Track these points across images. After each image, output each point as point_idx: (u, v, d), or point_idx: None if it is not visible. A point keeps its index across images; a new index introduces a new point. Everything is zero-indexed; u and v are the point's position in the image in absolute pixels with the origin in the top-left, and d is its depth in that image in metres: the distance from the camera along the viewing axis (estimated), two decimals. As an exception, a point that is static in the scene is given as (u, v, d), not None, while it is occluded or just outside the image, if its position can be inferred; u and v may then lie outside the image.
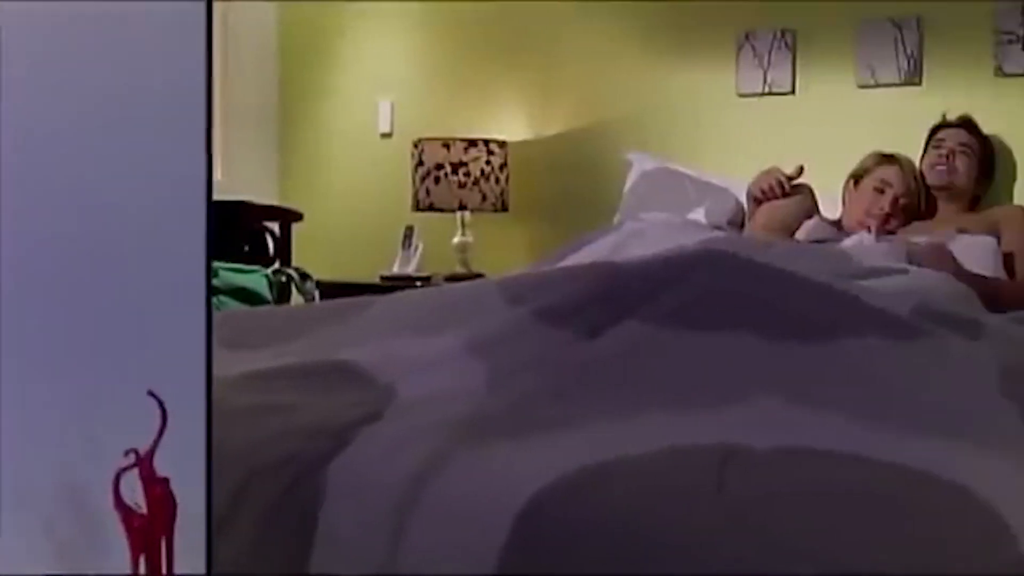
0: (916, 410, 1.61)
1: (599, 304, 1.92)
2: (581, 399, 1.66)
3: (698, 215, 4.08)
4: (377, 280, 5.00)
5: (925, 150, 4.02)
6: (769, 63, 4.58)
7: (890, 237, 3.68)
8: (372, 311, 2.21)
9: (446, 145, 4.98)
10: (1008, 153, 4.08)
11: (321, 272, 4.64)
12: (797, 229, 3.83)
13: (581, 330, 1.85)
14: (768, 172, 3.97)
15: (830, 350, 1.79)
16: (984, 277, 3.35)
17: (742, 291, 1.94)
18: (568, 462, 1.37)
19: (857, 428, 1.52)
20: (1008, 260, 3.60)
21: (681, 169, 4.55)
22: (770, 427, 1.51)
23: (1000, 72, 4.12)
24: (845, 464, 1.39)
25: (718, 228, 3.90)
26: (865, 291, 2.16)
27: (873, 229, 3.77)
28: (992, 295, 3.14)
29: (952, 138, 3.94)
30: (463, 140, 5.00)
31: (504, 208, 5.07)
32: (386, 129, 5.64)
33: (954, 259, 3.32)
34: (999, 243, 3.63)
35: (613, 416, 1.58)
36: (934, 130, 4.05)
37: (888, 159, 3.94)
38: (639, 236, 3.52)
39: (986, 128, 4.01)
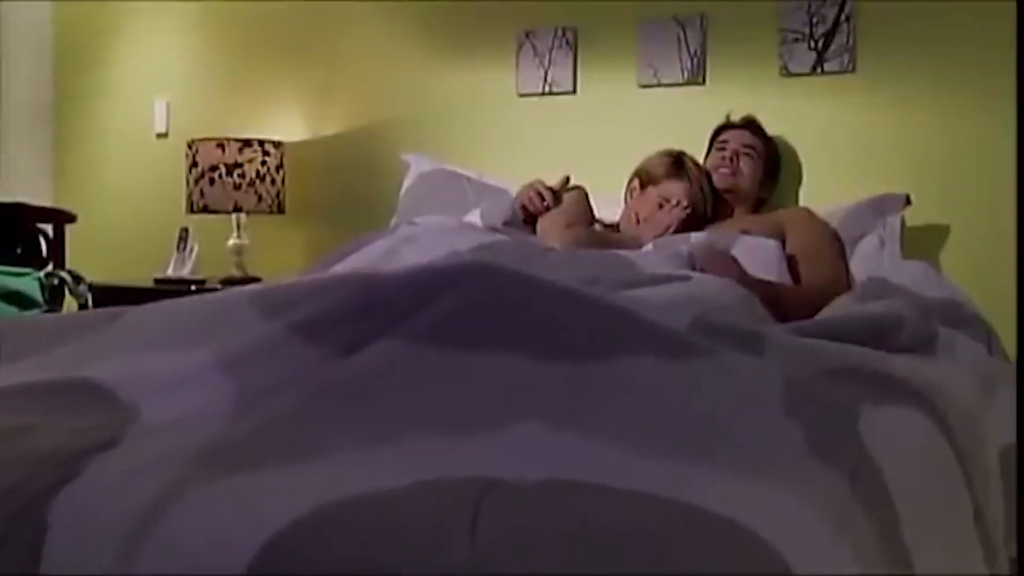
0: (696, 437, 1.38)
1: (358, 318, 1.60)
2: (334, 423, 1.38)
3: (474, 217, 3.46)
4: (151, 283, 4.48)
5: (708, 151, 3.56)
6: (550, 62, 4.03)
7: (673, 239, 3.15)
8: (123, 322, 1.89)
9: (220, 146, 4.41)
10: (793, 154, 3.65)
11: (96, 274, 4.18)
12: None
13: (337, 346, 1.56)
14: (529, 185, 3.44)
15: (603, 370, 1.51)
16: (768, 282, 2.90)
17: (510, 307, 1.61)
18: (312, 498, 1.14)
19: (632, 458, 1.31)
20: (792, 263, 3.14)
21: (459, 170, 4.03)
22: (537, 457, 1.30)
23: (785, 71, 3.63)
24: (616, 499, 1.18)
25: (494, 229, 3.31)
26: (642, 304, 1.85)
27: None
28: (775, 300, 2.76)
29: (736, 139, 3.49)
30: (238, 140, 4.43)
31: (281, 210, 4.51)
32: (162, 129, 5.06)
33: (737, 264, 2.86)
34: (784, 245, 3.18)
35: (367, 443, 1.33)
36: (718, 131, 3.59)
37: (678, 172, 3.38)
38: (412, 241, 3.03)
39: (771, 129, 3.57)
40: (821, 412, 1.49)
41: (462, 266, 1.65)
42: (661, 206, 3.32)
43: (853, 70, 3.55)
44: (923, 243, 3.37)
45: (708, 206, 3.38)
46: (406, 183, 4.05)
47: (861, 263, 3.22)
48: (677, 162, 3.39)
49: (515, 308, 1.57)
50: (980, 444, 2.05)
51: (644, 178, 3.42)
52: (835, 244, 3.21)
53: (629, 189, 3.47)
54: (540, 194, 3.36)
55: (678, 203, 3.29)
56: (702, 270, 2.79)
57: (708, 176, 3.40)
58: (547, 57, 4.03)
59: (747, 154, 3.43)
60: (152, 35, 5.06)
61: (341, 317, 1.60)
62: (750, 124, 3.51)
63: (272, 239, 4.63)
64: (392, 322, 1.55)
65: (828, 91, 3.59)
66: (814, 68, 3.59)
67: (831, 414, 1.51)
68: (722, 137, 3.50)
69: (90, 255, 4.86)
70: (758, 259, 2.99)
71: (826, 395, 1.59)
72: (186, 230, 4.61)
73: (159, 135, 5.00)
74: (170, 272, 4.55)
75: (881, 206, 3.33)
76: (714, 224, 3.36)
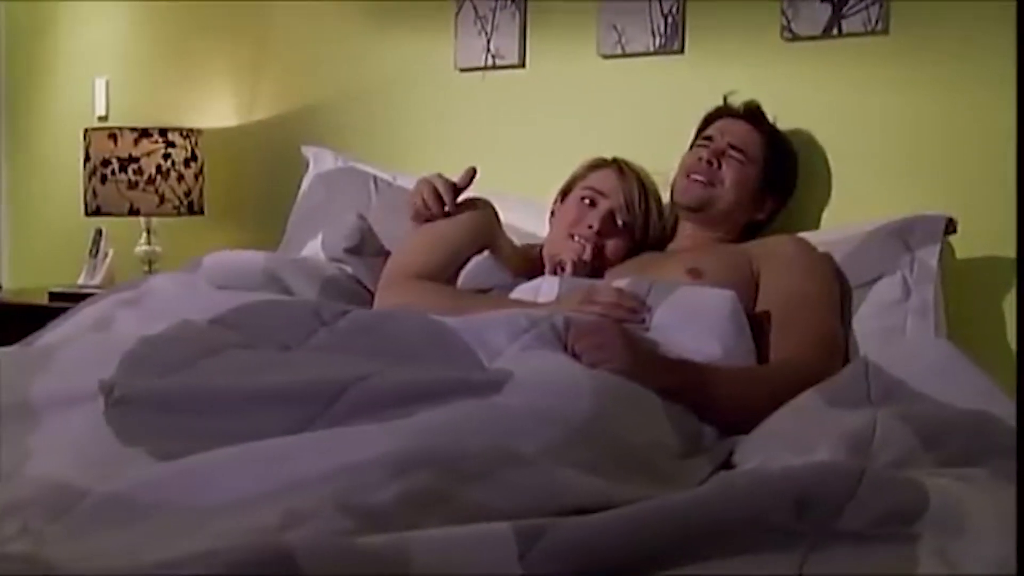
0: None
1: None
2: None
3: (316, 244, 2.43)
4: (45, 299, 3.40)
5: (692, 148, 2.35)
6: (493, 28, 2.86)
7: (588, 282, 2.06)
8: None
9: (112, 136, 3.41)
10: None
11: (25, 278, 3.92)
12: (462, 266, 2.14)
13: None
14: (424, 180, 2.25)
15: None
16: (692, 365, 1.74)
17: None
18: None
19: None
20: (761, 323, 1.93)
21: (368, 169, 2.92)
22: None
23: (789, 34, 2.44)
24: None
25: (335, 260, 2.30)
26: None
27: (568, 268, 2.18)
28: (704, 391, 1.69)
29: (725, 134, 2.28)
30: (133, 130, 3.41)
31: (195, 210, 3.44)
32: (102, 112, 4.03)
33: (625, 340, 1.69)
34: (756, 294, 2.02)
35: None
36: (706, 122, 2.37)
37: (605, 162, 2.30)
38: (134, 304, 1.93)
39: (768, 115, 2.35)
40: None
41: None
42: (592, 202, 2.21)
43: (884, 31, 2.32)
44: (973, 286, 2.15)
45: (654, 217, 2.24)
46: (303, 185, 2.95)
47: (870, 319, 2.00)
48: (604, 159, 2.30)
49: None
50: None
51: (565, 188, 2.30)
52: (831, 297, 2.00)
53: (552, 214, 2.34)
54: (438, 195, 2.21)
55: (608, 197, 2.22)
56: (574, 353, 1.64)
57: (643, 186, 2.25)
58: (490, 21, 2.87)
59: (736, 158, 2.22)
60: (90, 10, 4.07)
61: None
62: (752, 115, 2.31)
63: (191, 245, 3.55)
64: None
65: (848, 61, 2.37)
66: (829, 28, 2.37)
67: None
68: (708, 131, 2.32)
69: (30, 254, 4.18)
70: (695, 320, 1.82)
71: None
72: (100, 232, 3.61)
73: (100, 119, 3.99)
74: (81, 281, 3.57)
75: (908, 233, 2.07)
76: (650, 253, 2.20)
